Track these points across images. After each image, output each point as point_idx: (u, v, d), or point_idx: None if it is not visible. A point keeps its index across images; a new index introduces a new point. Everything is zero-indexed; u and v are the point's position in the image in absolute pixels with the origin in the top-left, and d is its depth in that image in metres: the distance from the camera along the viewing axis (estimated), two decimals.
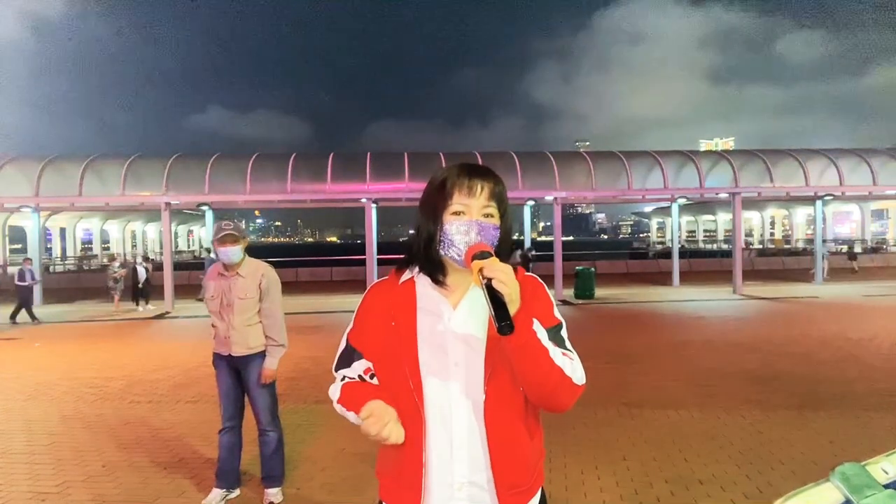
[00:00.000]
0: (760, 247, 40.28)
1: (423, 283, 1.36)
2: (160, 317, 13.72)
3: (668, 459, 4.24)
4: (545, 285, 1.39)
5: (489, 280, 1.14)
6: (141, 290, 15.15)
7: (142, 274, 15.15)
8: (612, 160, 17.64)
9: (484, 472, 1.27)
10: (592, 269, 16.27)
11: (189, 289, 18.08)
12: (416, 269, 1.37)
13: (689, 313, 12.65)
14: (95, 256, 34.48)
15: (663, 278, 20.83)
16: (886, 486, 0.78)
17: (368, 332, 1.38)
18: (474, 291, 1.31)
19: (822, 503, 0.80)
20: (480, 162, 16.88)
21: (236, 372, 3.65)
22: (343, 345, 1.42)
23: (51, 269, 29.28)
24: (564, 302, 14.76)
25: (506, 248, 1.34)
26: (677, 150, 18.54)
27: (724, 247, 37.85)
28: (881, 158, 17.69)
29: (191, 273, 21.00)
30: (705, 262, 27.53)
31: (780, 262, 27.60)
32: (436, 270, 1.34)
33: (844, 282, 18.78)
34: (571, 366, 1.23)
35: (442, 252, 1.31)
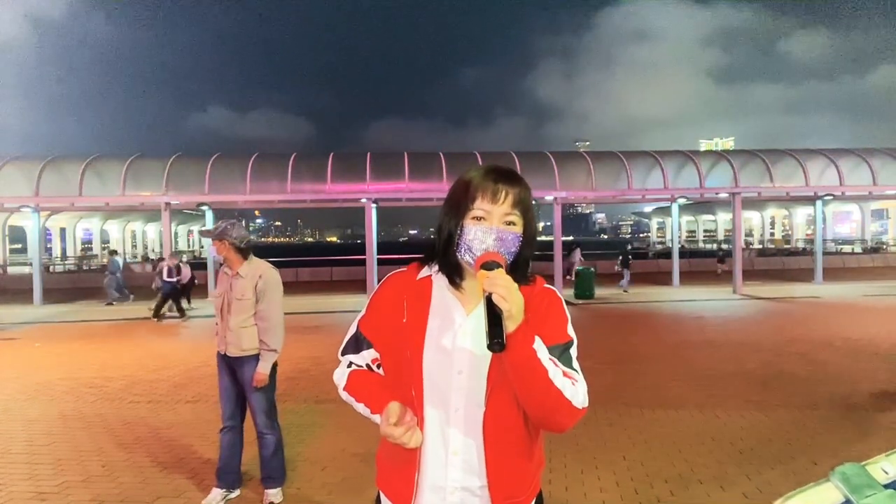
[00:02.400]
0: (760, 247, 40.27)
1: (439, 284, 1.35)
2: (160, 317, 13.70)
3: (667, 459, 4.24)
4: (563, 299, 1.37)
5: (489, 294, 1.13)
6: (184, 289, 15.29)
7: (186, 274, 15.28)
8: (612, 160, 17.63)
9: (478, 478, 1.26)
10: (592, 269, 16.28)
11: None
12: (436, 267, 1.36)
13: (689, 313, 12.65)
14: (95, 256, 34.48)
15: (663, 278, 20.82)
16: (886, 486, 0.78)
17: (379, 323, 1.37)
18: None
19: (822, 503, 0.80)
20: (481, 163, 16.89)
21: (232, 371, 3.65)
22: (353, 330, 1.42)
23: (51, 268, 29.27)
24: (565, 302, 14.74)
25: (527, 256, 1.32)
26: (677, 149, 18.54)
27: (724, 247, 37.86)
28: (881, 158, 17.69)
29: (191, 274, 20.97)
30: (705, 262, 27.52)
31: (780, 262, 27.60)
32: (453, 272, 1.32)
33: (841, 282, 18.77)
34: (573, 389, 1.20)
35: (459, 255, 1.29)
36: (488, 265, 1.18)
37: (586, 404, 1.23)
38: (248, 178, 16.10)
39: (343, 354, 1.42)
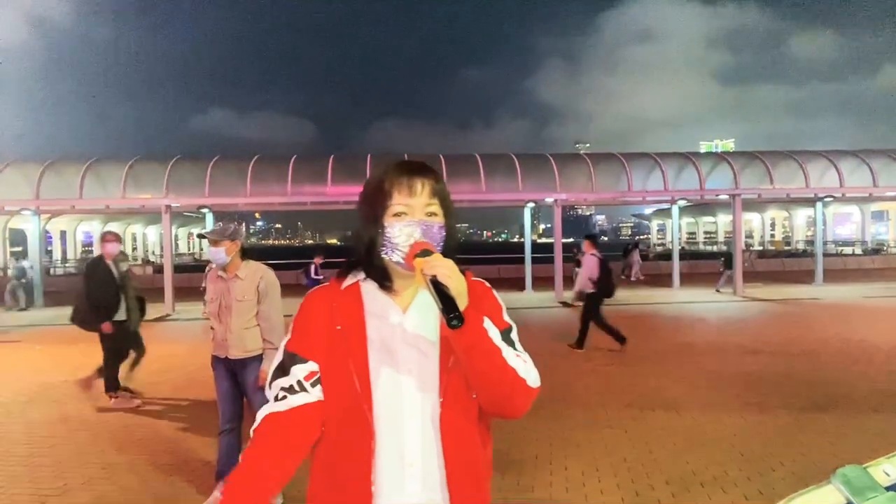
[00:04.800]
0: (761, 248, 40.28)
1: (368, 289, 1.27)
2: (160, 319, 13.72)
3: (669, 461, 4.23)
4: (493, 289, 1.32)
5: (433, 276, 1.09)
6: None
7: None
8: (612, 162, 17.63)
9: (438, 490, 1.17)
10: None
11: (189, 291, 18.05)
12: (361, 275, 1.28)
13: (689, 315, 12.64)
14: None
15: (664, 280, 20.81)
16: (888, 489, 0.78)
17: (310, 336, 1.24)
18: (424, 294, 1.22)
19: None
20: (480, 165, 16.99)
21: (234, 374, 3.65)
22: (279, 356, 1.26)
23: (51, 271, 29.28)
24: (565, 304, 14.75)
25: (452, 248, 1.26)
26: (677, 151, 18.55)
27: (725, 249, 37.86)
28: (881, 160, 17.68)
29: (191, 276, 20.98)
30: (706, 264, 27.51)
31: (781, 263, 27.58)
32: (382, 276, 1.25)
33: (842, 283, 18.75)
34: (525, 367, 1.17)
35: (385, 256, 1.23)
36: (422, 253, 1.14)
37: (539, 384, 1.19)
38: (249, 181, 16.10)
39: (272, 383, 1.24)
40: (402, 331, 1.22)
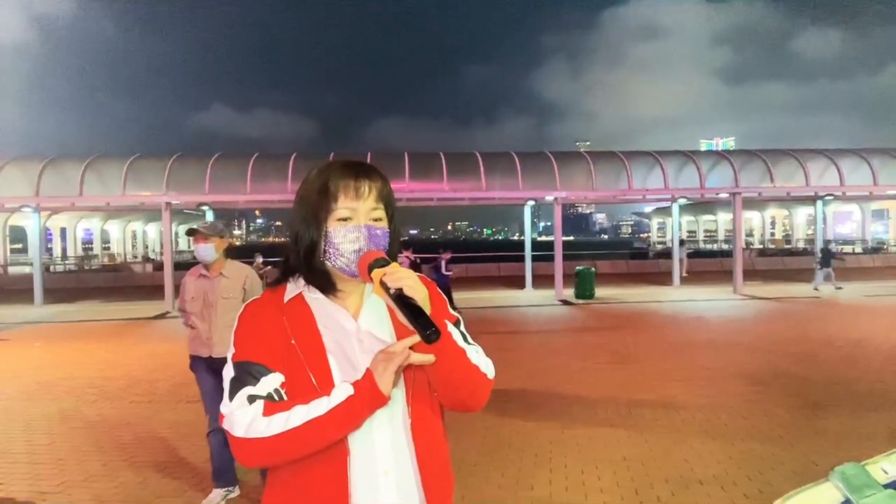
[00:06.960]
0: (761, 247, 40.27)
1: (313, 298, 1.21)
2: (160, 316, 13.73)
3: (668, 459, 4.24)
4: (434, 283, 1.30)
5: (399, 289, 1.06)
6: None
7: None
8: (613, 160, 17.63)
9: (415, 495, 1.14)
10: (593, 269, 16.27)
11: None
12: (301, 282, 1.22)
13: (689, 313, 12.64)
14: (96, 256, 34.51)
15: (664, 278, 20.81)
16: (886, 486, 0.78)
17: (270, 348, 1.15)
18: (372, 298, 1.21)
19: (822, 503, 0.80)
20: (481, 162, 16.98)
21: (216, 373, 3.66)
22: (231, 372, 1.15)
23: (51, 268, 29.31)
24: (565, 302, 14.76)
25: (394, 254, 1.22)
26: (678, 150, 18.54)
27: (725, 247, 37.83)
28: (882, 158, 17.68)
29: None
30: (706, 263, 27.51)
31: (781, 262, 27.57)
32: (325, 282, 1.20)
33: (842, 282, 18.74)
34: (485, 362, 1.19)
35: (328, 262, 1.19)
36: (378, 263, 1.11)
37: (494, 374, 1.21)
38: (249, 178, 16.11)
39: (233, 396, 1.11)
40: (357, 339, 1.18)
